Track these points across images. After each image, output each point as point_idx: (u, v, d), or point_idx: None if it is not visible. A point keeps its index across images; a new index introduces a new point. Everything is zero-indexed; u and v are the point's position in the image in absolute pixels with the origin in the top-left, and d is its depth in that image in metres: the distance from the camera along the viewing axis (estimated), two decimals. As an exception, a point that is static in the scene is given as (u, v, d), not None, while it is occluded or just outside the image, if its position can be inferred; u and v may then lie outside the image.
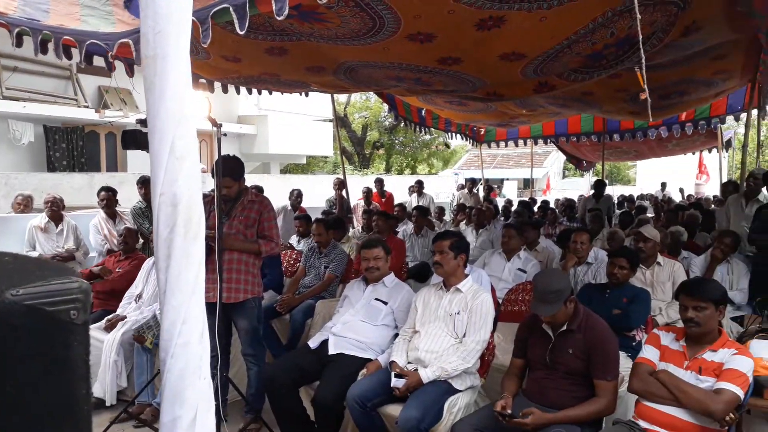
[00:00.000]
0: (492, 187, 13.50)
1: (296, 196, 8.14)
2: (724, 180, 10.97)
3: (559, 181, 32.15)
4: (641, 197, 16.52)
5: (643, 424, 2.65)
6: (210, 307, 3.56)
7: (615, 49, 3.85)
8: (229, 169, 3.71)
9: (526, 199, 14.39)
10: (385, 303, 3.73)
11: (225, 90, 5.42)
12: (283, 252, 6.06)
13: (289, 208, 8.14)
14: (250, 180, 9.90)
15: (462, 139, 11.46)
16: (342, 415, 3.30)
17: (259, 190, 6.00)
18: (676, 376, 2.64)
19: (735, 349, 2.64)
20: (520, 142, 11.63)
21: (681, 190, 18.78)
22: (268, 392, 3.58)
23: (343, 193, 8.60)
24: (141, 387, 4.03)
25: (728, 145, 13.60)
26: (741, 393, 2.49)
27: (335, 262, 5.20)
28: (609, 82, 5.56)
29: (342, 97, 27.97)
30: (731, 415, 2.49)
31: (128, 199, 7.30)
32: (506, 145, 11.94)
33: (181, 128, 0.94)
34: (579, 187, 27.58)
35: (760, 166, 7.18)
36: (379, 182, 10.02)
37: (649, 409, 2.66)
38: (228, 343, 3.96)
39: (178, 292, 0.91)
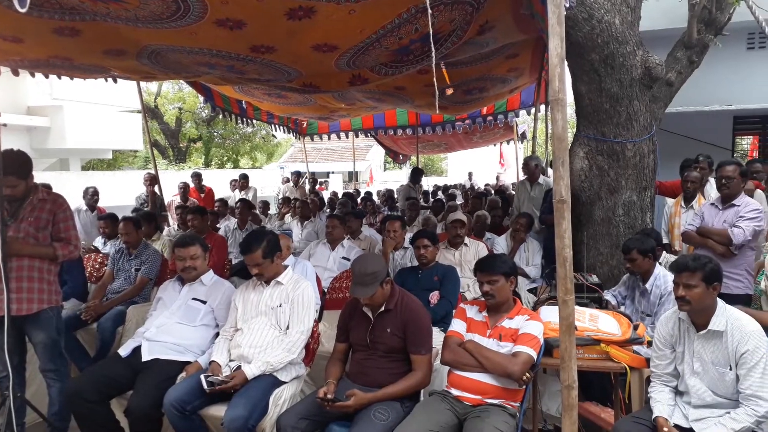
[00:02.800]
0: (317, 180, 13.60)
1: (92, 195, 7.40)
2: (521, 169, 12.28)
3: (381, 173, 33.47)
4: (453, 186, 17.85)
5: (454, 391, 2.87)
6: (-2, 321, 3.13)
7: (420, 44, 4.07)
8: (13, 165, 3.28)
9: (351, 191, 14.75)
10: (204, 302, 3.57)
11: (15, 73, 4.73)
12: (86, 256, 5.49)
13: (85, 208, 7.38)
14: (46, 178, 8.80)
15: (285, 131, 11.36)
16: (160, 422, 3.10)
17: (48, 188, 5.33)
18: (481, 345, 2.90)
19: (528, 315, 2.97)
20: (343, 135, 11.88)
21: (497, 177, 20.67)
22: (74, 409, 3.25)
23: (156, 189, 8.03)
24: None
25: (523, 137, 15.24)
26: (534, 354, 2.82)
27: (147, 263, 4.82)
28: (418, 77, 5.88)
29: (152, 87, 26.12)
30: (527, 374, 2.80)
31: None
32: (329, 139, 12.10)
33: None
34: (399, 178, 29.00)
35: (535, 155, 8.21)
36: (197, 177, 9.55)
37: (459, 378, 2.89)
38: (23, 360, 3.53)
39: None
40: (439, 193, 14.17)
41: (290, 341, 3.17)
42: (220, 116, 8.23)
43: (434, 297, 4.04)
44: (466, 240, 5.12)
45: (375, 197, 12.77)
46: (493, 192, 11.33)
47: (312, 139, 11.92)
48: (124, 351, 3.43)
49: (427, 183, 21.51)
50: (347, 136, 11.82)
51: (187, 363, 3.34)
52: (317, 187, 13.00)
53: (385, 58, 4.33)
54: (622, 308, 3.94)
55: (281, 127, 10.73)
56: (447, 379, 2.97)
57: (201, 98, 7.77)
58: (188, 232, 5.57)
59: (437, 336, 3.46)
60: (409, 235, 5.34)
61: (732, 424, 2.51)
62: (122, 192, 11.51)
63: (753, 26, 6.95)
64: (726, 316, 2.63)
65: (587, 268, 4.78)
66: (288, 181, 12.97)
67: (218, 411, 2.97)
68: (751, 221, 3.98)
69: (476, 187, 15.66)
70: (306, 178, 12.44)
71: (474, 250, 5.04)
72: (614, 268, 4.79)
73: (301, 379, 3.29)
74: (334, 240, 5.25)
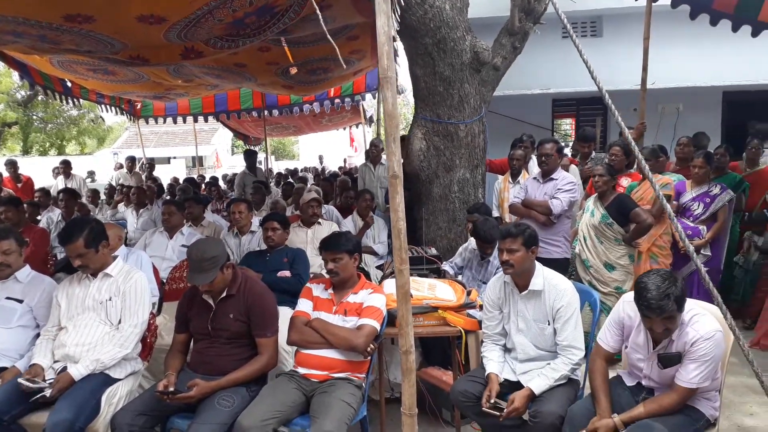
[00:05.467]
0: (154, 165, 12.62)
1: None
2: (369, 151, 12.53)
3: (229, 157, 32.27)
4: (304, 170, 17.79)
5: (301, 370, 2.87)
6: None
7: (255, 17, 3.93)
8: None
9: (194, 176, 14.04)
10: (21, 301, 3.19)
11: None
12: None
13: None
14: None
15: (117, 113, 10.44)
16: (-33, 441, 2.72)
17: None
18: (327, 322, 2.92)
19: (371, 289, 3.05)
20: (185, 119, 11.21)
21: (344, 160, 20.88)
22: None
23: (-41, 179, 6.99)
24: None
25: (371, 120, 15.57)
26: (377, 325, 2.90)
27: (-52, 262, 4.18)
28: (259, 55, 5.71)
29: (-47, 64, 22.58)
30: (372, 345, 2.88)
31: None
32: (165, 122, 11.36)
33: None
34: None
35: (379, 137, 8.49)
36: (12, 165, 8.50)
37: (306, 356, 2.89)
38: None
39: None
40: (290, 177, 14.02)
41: (123, 336, 2.94)
42: (41, 96, 7.35)
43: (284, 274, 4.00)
44: (320, 219, 5.13)
45: (221, 182, 12.30)
46: (341, 174, 11.45)
47: (147, 122, 11.11)
48: None
49: (278, 167, 21.22)
50: (185, 120, 11.19)
51: (3, 369, 2.97)
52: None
53: (219, 32, 4.14)
54: (459, 277, 4.21)
55: (113, 109, 9.85)
56: (294, 359, 2.96)
57: (16, 75, 6.85)
58: (2, 225, 4.91)
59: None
60: (256, 219, 5.21)
61: (552, 374, 2.80)
62: None
63: (567, 17, 7.72)
64: (543, 276, 2.92)
65: (428, 241, 5.04)
66: (121, 167, 11.98)
67: (41, 418, 2.68)
68: (567, 193, 4.44)
69: (327, 171, 15.74)
70: (142, 163, 11.59)
71: (327, 229, 5.05)
72: (452, 241, 5.10)
73: (137, 375, 3.08)
74: (172, 227, 4.95)
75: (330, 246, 3.02)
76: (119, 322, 2.99)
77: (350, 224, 5.79)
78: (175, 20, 3.72)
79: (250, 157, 9.21)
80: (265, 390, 2.77)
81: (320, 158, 20.67)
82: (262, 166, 12.17)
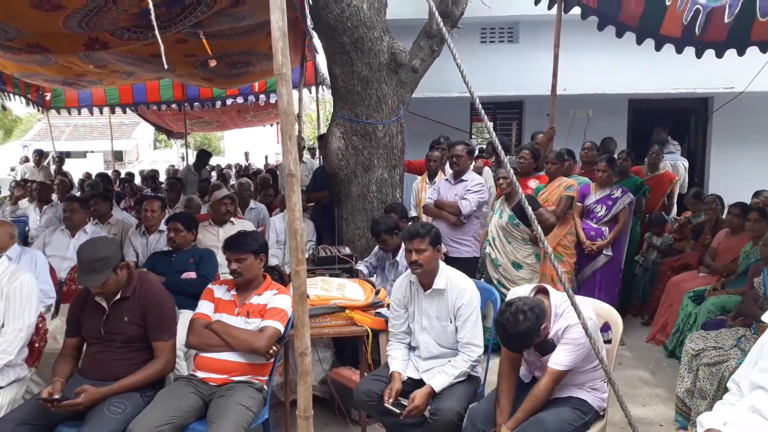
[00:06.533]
0: (64, 160, 11.89)
1: None
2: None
3: (150, 152, 31.04)
4: (227, 166, 17.36)
5: (200, 374, 2.79)
6: None
7: (165, 9, 3.80)
8: None
9: (108, 172, 13.37)
10: None
11: None
12: None
13: None
14: None
15: (25, 104, 9.76)
16: None
17: None
18: (228, 324, 2.85)
19: (276, 289, 3.00)
20: (102, 110, 10.66)
21: (266, 157, 20.48)
22: None
23: None
24: None
25: (298, 117, 15.34)
26: (281, 326, 2.86)
27: None
28: (176, 46, 5.51)
29: None
30: (274, 347, 2.84)
31: None
32: (79, 113, 10.78)
33: None
34: (170, 158, 27.19)
35: (301, 135, 8.40)
36: None
37: (205, 359, 2.82)
38: None
39: None
40: (213, 173, 13.64)
41: (6, 341, 2.75)
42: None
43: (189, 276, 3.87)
44: (233, 218, 5.00)
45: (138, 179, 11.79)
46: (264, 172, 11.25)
47: (59, 113, 10.49)
48: None
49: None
50: (101, 112, 10.65)
51: None
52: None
53: (125, 22, 3.96)
54: (373, 278, 4.23)
55: (17, 98, 9.23)
56: (194, 362, 2.88)
57: None
58: None
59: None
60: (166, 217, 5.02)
61: (452, 371, 2.86)
62: None
63: (485, 22, 7.94)
64: (446, 275, 2.98)
65: (347, 241, 5.04)
66: (27, 160, 11.25)
67: None
68: (476, 194, 4.56)
69: (252, 168, 15.43)
70: (52, 156, 10.93)
71: (241, 227, 4.92)
72: (370, 240, 5.10)
73: (22, 382, 2.88)
74: (75, 226, 4.68)
75: (233, 246, 2.94)
76: (2, 326, 2.80)
77: (279, 222, 5.63)
78: (73, 8, 3.52)
79: (202, 157, 9.09)
80: (160, 395, 2.67)
81: (246, 155, 20.24)
82: (184, 162, 11.78)
